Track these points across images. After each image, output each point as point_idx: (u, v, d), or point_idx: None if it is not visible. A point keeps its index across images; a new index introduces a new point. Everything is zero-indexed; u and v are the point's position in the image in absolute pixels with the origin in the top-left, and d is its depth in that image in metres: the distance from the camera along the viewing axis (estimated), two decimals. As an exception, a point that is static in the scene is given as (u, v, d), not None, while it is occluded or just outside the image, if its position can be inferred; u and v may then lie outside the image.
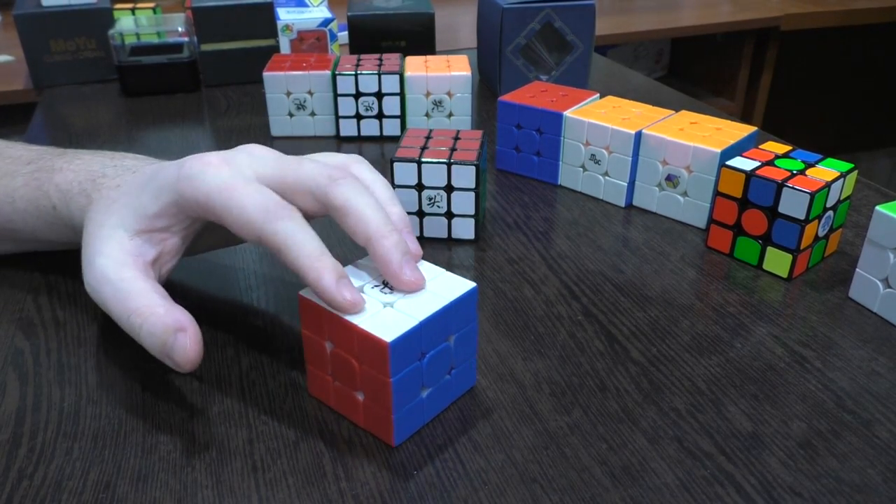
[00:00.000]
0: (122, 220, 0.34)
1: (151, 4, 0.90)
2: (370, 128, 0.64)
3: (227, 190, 0.31)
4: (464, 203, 0.46)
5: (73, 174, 0.38)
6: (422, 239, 0.48)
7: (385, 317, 0.30)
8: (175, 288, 0.43)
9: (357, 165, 0.36)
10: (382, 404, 0.30)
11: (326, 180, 0.32)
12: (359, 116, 0.64)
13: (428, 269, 0.33)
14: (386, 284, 0.32)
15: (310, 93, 0.63)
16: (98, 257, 0.33)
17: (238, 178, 0.32)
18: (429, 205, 0.47)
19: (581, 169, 0.54)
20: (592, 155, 0.53)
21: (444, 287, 0.32)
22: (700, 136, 0.48)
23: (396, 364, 0.29)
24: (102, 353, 0.38)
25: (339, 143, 0.65)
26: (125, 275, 0.32)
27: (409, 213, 0.47)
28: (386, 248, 0.31)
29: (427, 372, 0.31)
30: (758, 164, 0.44)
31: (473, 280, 0.44)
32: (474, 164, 0.45)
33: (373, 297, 0.31)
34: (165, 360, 0.31)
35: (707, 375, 0.36)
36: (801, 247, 0.42)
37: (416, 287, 0.31)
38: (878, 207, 0.38)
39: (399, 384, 0.30)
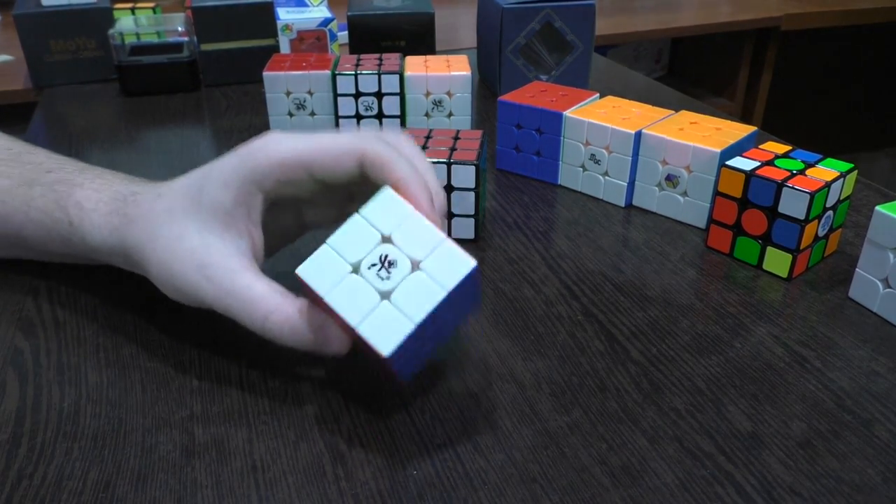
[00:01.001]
0: (202, 224, 0.33)
1: (151, 4, 0.90)
2: (370, 128, 0.64)
3: (310, 137, 0.33)
4: (464, 203, 0.46)
5: (95, 193, 0.38)
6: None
7: (383, 316, 0.29)
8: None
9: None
10: (385, 368, 0.30)
11: (358, 140, 0.33)
12: (359, 116, 0.64)
13: (427, 236, 0.31)
14: (382, 263, 0.30)
15: (310, 92, 0.63)
16: (207, 270, 0.33)
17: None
18: (429, 205, 0.47)
19: (581, 169, 0.54)
20: (592, 155, 0.53)
21: (442, 267, 0.30)
22: (700, 136, 0.48)
23: (397, 361, 0.29)
24: (102, 353, 0.38)
25: (339, 142, 0.65)
26: (242, 282, 0.32)
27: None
28: (429, 182, 0.33)
29: (427, 339, 0.31)
30: (758, 164, 0.44)
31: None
32: (474, 164, 0.45)
33: (370, 282, 0.30)
34: (317, 352, 0.32)
35: (707, 375, 0.36)
36: (801, 247, 0.42)
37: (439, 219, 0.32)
38: (878, 207, 0.38)
39: (400, 362, 0.30)
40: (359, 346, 0.32)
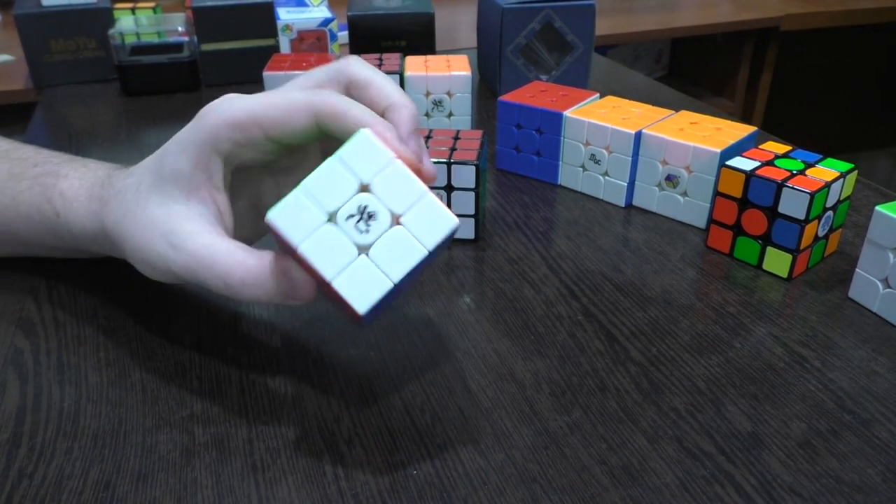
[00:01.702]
0: (166, 194, 0.33)
1: (151, 4, 0.90)
2: (370, 128, 0.64)
3: (263, 95, 0.32)
4: (464, 203, 0.46)
5: (78, 181, 0.38)
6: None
7: (360, 272, 0.28)
8: (176, 288, 0.43)
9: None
10: (349, 312, 0.29)
11: (343, 63, 0.33)
12: (359, 116, 0.64)
13: (408, 188, 0.29)
14: (362, 214, 0.29)
15: (310, 93, 0.63)
16: (172, 237, 0.32)
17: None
18: (429, 205, 0.47)
19: (581, 169, 0.54)
20: (592, 155, 0.53)
21: (423, 223, 0.29)
22: (700, 136, 0.48)
23: (368, 314, 0.28)
24: (102, 353, 0.38)
25: (339, 142, 0.65)
26: (203, 241, 0.32)
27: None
28: (405, 115, 0.32)
29: (400, 290, 0.30)
30: (758, 164, 0.44)
31: (473, 280, 0.44)
32: (474, 164, 0.45)
33: (347, 234, 0.28)
34: (283, 303, 0.31)
35: (707, 375, 0.36)
36: (801, 247, 0.42)
37: (414, 158, 0.30)
38: (878, 207, 0.38)
39: (369, 315, 0.29)
40: (325, 292, 0.30)
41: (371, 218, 0.28)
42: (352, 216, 0.28)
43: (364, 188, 0.29)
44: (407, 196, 0.29)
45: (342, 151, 0.29)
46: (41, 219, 0.39)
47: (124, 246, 0.35)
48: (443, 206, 0.29)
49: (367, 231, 0.28)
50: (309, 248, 0.28)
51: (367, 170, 0.29)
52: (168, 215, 0.33)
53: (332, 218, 0.28)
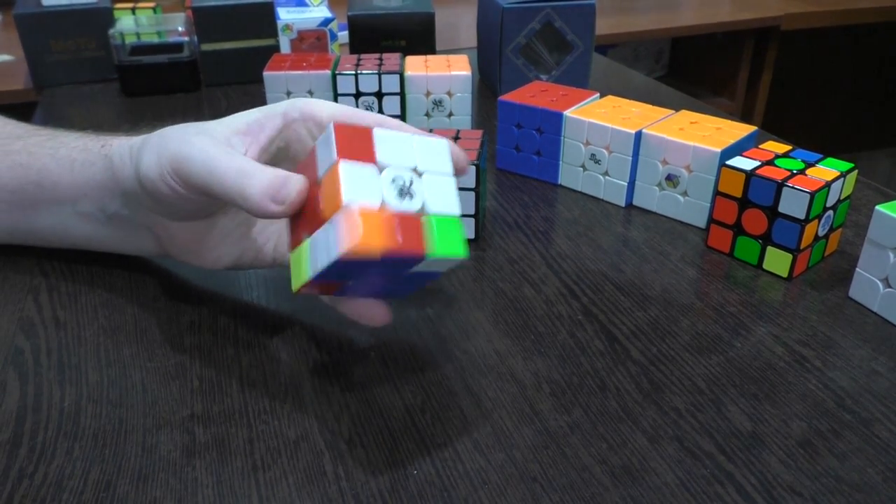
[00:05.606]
0: (217, 123, 0.35)
1: (152, 4, 0.90)
2: (370, 127, 0.64)
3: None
4: (464, 203, 0.46)
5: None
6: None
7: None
8: (176, 288, 0.43)
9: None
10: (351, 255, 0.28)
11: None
12: (359, 116, 0.64)
13: (450, 202, 0.30)
14: (404, 187, 0.29)
15: (310, 92, 0.63)
16: (198, 136, 0.34)
17: None
18: (429, 204, 0.47)
19: (581, 168, 0.54)
20: (592, 154, 0.53)
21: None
22: (700, 135, 0.48)
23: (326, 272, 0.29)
24: (103, 352, 0.38)
25: (339, 142, 0.65)
26: (224, 149, 0.33)
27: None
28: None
29: (354, 278, 0.30)
30: (758, 163, 0.44)
31: (473, 280, 0.44)
32: (474, 164, 0.45)
33: (382, 187, 0.28)
34: (270, 205, 0.30)
35: (707, 375, 0.36)
36: (801, 246, 0.42)
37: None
38: (878, 207, 0.38)
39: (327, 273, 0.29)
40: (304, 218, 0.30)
41: (409, 196, 0.29)
42: (396, 182, 0.29)
43: (416, 172, 0.30)
44: (444, 206, 0.30)
45: (421, 136, 0.31)
46: (79, 156, 0.40)
47: (148, 145, 0.35)
48: (464, 237, 0.30)
49: (399, 200, 0.29)
50: (346, 168, 0.28)
51: (428, 163, 0.30)
52: (212, 127, 0.35)
53: (381, 168, 0.29)
